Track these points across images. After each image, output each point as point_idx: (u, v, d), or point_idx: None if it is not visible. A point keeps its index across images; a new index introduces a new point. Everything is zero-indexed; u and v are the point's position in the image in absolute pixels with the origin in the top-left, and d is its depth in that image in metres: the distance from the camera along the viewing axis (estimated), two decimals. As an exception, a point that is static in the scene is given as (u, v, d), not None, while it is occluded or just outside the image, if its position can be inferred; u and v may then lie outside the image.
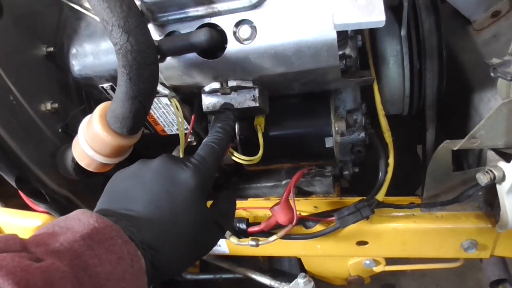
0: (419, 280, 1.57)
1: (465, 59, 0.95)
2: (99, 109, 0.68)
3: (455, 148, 0.79)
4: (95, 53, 0.77)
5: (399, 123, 0.97)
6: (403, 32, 0.85)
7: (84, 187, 0.92)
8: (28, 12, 0.83)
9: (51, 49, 0.85)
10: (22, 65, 0.81)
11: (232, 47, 0.69)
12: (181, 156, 0.79)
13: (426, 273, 1.52)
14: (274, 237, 0.90)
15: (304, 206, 0.97)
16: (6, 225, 0.95)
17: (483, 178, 0.77)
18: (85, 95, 0.87)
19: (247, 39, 0.68)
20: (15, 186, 0.80)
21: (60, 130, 0.86)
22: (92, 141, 0.68)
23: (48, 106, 0.84)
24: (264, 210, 1.00)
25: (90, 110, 0.70)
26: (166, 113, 0.85)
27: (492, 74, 0.68)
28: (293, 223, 0.87)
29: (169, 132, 0.90)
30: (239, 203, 1.01)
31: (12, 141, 0.76)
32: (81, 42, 0.78)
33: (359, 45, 0.85)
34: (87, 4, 0.77)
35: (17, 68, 0.79)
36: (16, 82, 0.78)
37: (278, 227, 0.91)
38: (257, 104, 0.76)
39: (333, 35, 0.65)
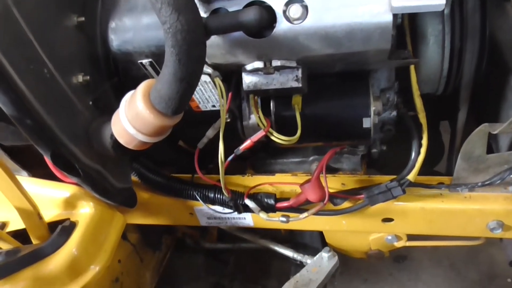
0: (431, 253, 1.61)
1: (502, 39, 0.92)
2: (142, 87, 0.66)
3: (495, 132, 0.78)
4: (136, 28, 0.75)
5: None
6: (447, 11, 0.82)
7: (113, 160, 0.91)
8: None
9: (82, 18, 0.82)
10: (55, 36, 0.78)
11: (282, 26, 0.67)
12: (221, 133, 0.78)
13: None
14: (305, 214, 0.91)
15: (331, 183, 0.97)
16: (34, 195, 0.94)
17: (520, 163, 0.77)
18: (121, 70, 0.84)
19: (297, 19, 0.66)
20: (50, 161, 0.79)
21: (91, 103, 0.85)
22: (134, 119, 0.67)
23: (80, 78, 0.82)
24: (291, 185, 1.00)
25: (126, 86, 0.68)
26: (203, 90, 0.83)
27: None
28: (325, 201, 0.88)
29: (203, 109, 0.88)
30: (266, 178, 1.01)
31: (48, 116, 0.74)
32: (120, 16, 0.75)
33: (398, 23, 0.82)
34: (126, -24, 0.74)
35: (50, 39, 0.76)
36: (50, 55, 0.75)
37: (306, 203, 0.92)
38: (300, 85, 0.74)
39: (389, 18, 0.63)
